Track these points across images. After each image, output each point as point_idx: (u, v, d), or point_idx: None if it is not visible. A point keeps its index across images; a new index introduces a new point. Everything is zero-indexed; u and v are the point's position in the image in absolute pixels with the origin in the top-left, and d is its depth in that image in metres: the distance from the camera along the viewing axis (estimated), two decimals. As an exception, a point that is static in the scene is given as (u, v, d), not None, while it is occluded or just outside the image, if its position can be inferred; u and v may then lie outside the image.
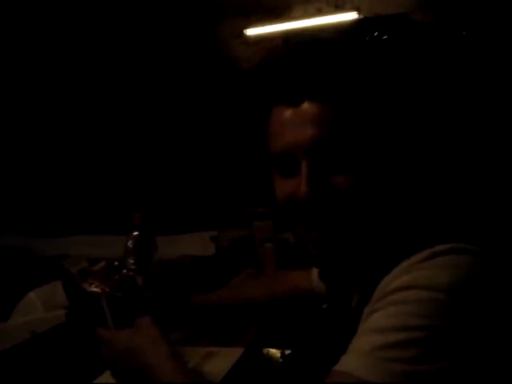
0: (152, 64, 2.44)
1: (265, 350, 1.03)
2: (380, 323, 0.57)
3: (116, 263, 0.93)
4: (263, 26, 2.27)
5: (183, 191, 2.35)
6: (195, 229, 2.07)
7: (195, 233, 2.06)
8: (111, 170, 2.48)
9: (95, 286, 0.88)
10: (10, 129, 2.55)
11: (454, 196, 0.77)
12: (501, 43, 1.89)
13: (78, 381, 0.94)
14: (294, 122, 0.67)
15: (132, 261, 1.15)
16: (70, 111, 2.53)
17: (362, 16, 2.15)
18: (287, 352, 1.01)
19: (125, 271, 0.93)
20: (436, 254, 0.58)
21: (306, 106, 0.66)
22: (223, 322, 1.13)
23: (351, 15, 2.14)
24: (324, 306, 1.03)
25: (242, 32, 2.31)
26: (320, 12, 2.24)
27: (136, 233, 1.26)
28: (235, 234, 1.86)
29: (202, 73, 2.41)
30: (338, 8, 2.23)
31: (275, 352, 1.01)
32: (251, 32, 2.31)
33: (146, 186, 2.40)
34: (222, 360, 0.97)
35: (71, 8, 2.41)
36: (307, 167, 0.66)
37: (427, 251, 0.59)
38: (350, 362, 0.57)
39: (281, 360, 0.99)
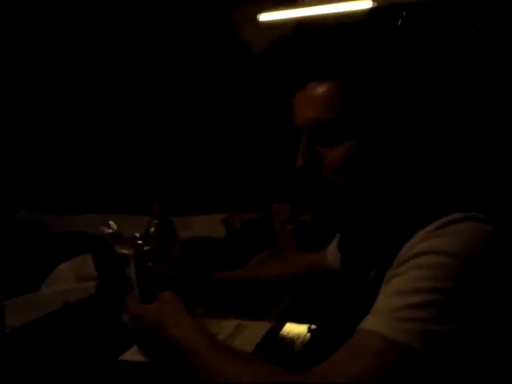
0: (165, 49, 2.43)
1: (291, 325, 1.06)
2: (399, 287, 0.62)
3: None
4: (276, 11, 2.27)
5: (195, 174, 2.36)
6: (206, 211, 2.09)
7: (205, 215, 2.08)
8: (123, 152, 2.49)
9: (125, 248, 0.89)
10: (30, 108, 2.55)
11: (467, 167, 0.81)
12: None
13: (108, 350, 0.96)
14: (301, 102, 0.76)
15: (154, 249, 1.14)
16: (85, 95, 2.53)
17: (376, 4, 2.16)
18: (313, 327, 1.03)
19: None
20: (451, 221, 0.63)
21: (310, 87, 0.73)
22: (246, 299, 1.16)
23: (366, 3, 2.15)
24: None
25: (255, 17, 2.31)
26: (335, -1, 2.24)
27: (156, 221, 1.24)
28: (247, 216, 1.89)
29: (215, 57, 2.42)
30: (354, -4, 2.22)
31: (301, 327, 1.04)
32: (264, 18, 2.31)
33: (160, 168, 2.41)
34: (251, 332, 1.00)
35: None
36: (305, 143, 0.75)
37: (443, 219, 0.63)
38: (373, 321, 0.61)
39: (308, 334, 1.02)
